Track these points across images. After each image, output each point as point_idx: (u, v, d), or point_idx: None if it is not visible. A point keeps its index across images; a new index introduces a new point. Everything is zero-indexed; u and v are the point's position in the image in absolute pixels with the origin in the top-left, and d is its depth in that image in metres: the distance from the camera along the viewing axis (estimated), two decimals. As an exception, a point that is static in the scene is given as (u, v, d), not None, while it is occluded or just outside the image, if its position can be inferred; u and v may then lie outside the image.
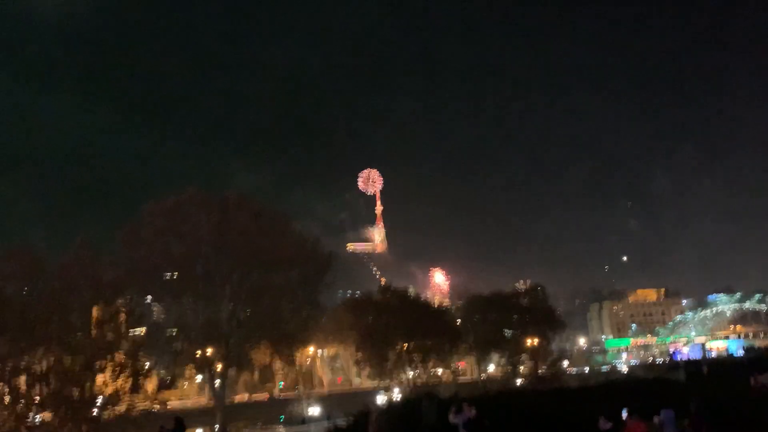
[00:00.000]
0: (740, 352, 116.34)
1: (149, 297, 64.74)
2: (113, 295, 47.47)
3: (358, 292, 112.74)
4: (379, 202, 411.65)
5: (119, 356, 43.48)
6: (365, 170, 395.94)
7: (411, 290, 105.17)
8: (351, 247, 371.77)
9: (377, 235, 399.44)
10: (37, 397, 39.92)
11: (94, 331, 44.12)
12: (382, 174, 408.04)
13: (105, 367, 42.12)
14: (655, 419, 18.61)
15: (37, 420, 39.89)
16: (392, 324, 75.72)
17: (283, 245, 64.41)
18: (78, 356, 41.48)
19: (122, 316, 45.94)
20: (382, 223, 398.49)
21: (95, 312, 45.25)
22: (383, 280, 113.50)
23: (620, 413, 18.96)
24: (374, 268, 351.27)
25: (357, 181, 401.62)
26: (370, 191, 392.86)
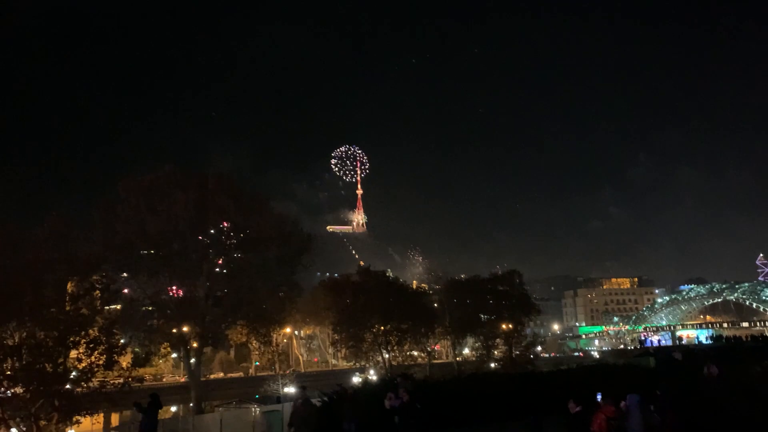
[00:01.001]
0: (707, 342, 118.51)
1: (125, 273, 63.24)
2: (88, 271, 46.30)
3: (336, 274, 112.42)
4: (359, 186, 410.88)
5: (93, 332, 42.93)
6: (343, 147, 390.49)
7: (389, 273, 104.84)
8: (330, 228, 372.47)
9: (357, 217, 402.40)
10: (9, 372, 39.18)
11: (68, 306, 43.20)
12: (365, 154, 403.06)
13: (79, 343, 41.54)
14: (622, 404, 19.04)
15: (8, 394, 39.25)
16: (369, 306, 76.29)
17: (262, 225, 63.82)
18: (51, 331, 40.76)
19: (97, 292, 45.31)
20: (362, 206, 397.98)
21: (69, 287, 44.25)
22: (362, 263, 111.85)
23: (590, 398, 19.38)
24: (353, 251, 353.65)
25: (333, 161, 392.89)
26: (348, 174, 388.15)
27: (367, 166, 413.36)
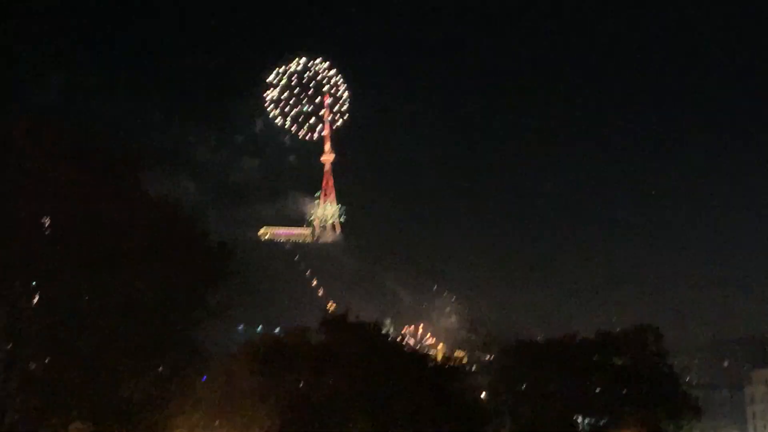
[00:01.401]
0: None
1: None
2: None
3: (279, 327, 72.75)
4: (329, 146, 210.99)
5: None
6: (297, 61, 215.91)
7: (386, 325, 71.82)
8: (268, 233, 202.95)
9: (323, 210, 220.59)
10: None
11: None
12: (342, 80, 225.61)
13: None
14: None
15: None
16: (344, 393, 55.11)
17: (125, 220, 44.79)
18: None
19: None
20: (332, 188, 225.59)
21: None
22: (331, 305, 75.47)
23: None
24: (313, 278, 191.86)
25: (273, 94, 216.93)
26: (305, 124, 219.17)
27: (344, 107, 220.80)
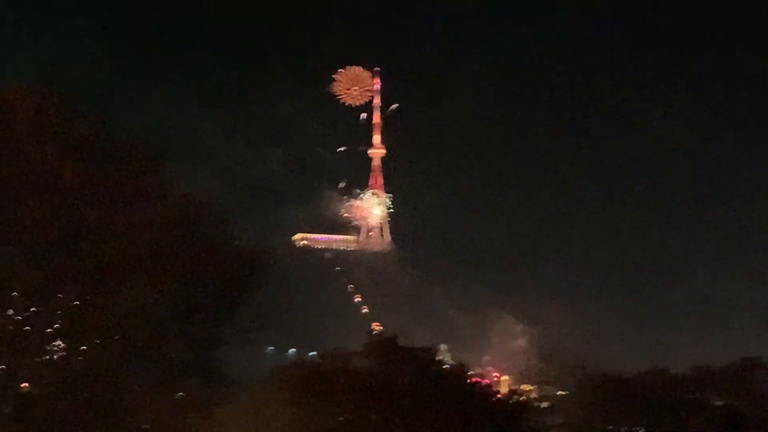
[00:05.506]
0: None
1: None
2: None
3: (316, 351, 65.37)
4: (377, 138, 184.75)
5: None
6: (347, 69, 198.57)
7: (443, 351, 66.55)
8: (303, 239, 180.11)
9: (368, 214, 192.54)
10: None
11: None
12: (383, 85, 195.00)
13: None
14: None
15: None
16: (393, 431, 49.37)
17: (142, 221, 39.52)
18: None
19: None
20: (381, 190, 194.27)
21: None
22: (376, 326, 70.82)
23: None
24: (356, 294, 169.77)
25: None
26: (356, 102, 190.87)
27: (390, 109, 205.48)
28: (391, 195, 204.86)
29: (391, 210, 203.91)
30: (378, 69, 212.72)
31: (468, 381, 59.05)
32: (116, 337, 40.41)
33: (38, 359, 41.34)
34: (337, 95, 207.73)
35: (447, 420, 48.14)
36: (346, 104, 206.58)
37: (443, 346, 72.96)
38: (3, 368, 41.71)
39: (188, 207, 43.87)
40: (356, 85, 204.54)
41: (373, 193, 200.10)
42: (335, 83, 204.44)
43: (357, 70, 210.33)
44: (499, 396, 63.19)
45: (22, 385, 39.81)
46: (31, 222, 40.71)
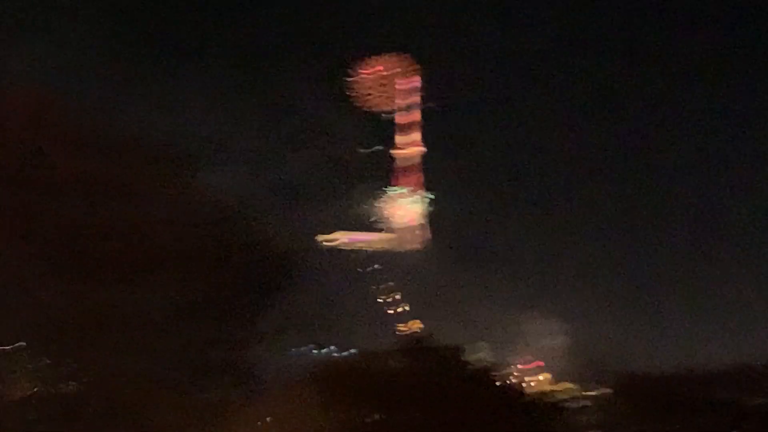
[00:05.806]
0: None
1: None
2: None
3: (351, 350, 66.63)
4: (416, 134, 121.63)
5: None
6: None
7: (482, 348, 62.72)
8: (338, 237, 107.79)
9: (404, 212, 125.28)
10: None
11: None
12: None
13: None
14: None
15: None
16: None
17: (167, 220, 40.36)
18: None
19: None
20: (419, 186, 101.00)
21: None
22: (413, 324, 70.74)
23: None
24: (389, 289, 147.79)
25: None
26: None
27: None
28: (429, 193, 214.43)
29: (430, 208, 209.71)
30: (415, 67, 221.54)
31: (506, 380, 59.75)
32: (143, 339, 39.13)
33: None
34: (369, 94, 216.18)
35: (483, 420, 46.59)
36: (380, 103, 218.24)
37: (483, 344, 72.28)
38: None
39: (214, 206, 43.35)
40: (390, 83, 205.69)
41: (411, 192, 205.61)
42: (367, 81, 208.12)
43: (392, 64, 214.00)
44: (537, 394, 62.41)
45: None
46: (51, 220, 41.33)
